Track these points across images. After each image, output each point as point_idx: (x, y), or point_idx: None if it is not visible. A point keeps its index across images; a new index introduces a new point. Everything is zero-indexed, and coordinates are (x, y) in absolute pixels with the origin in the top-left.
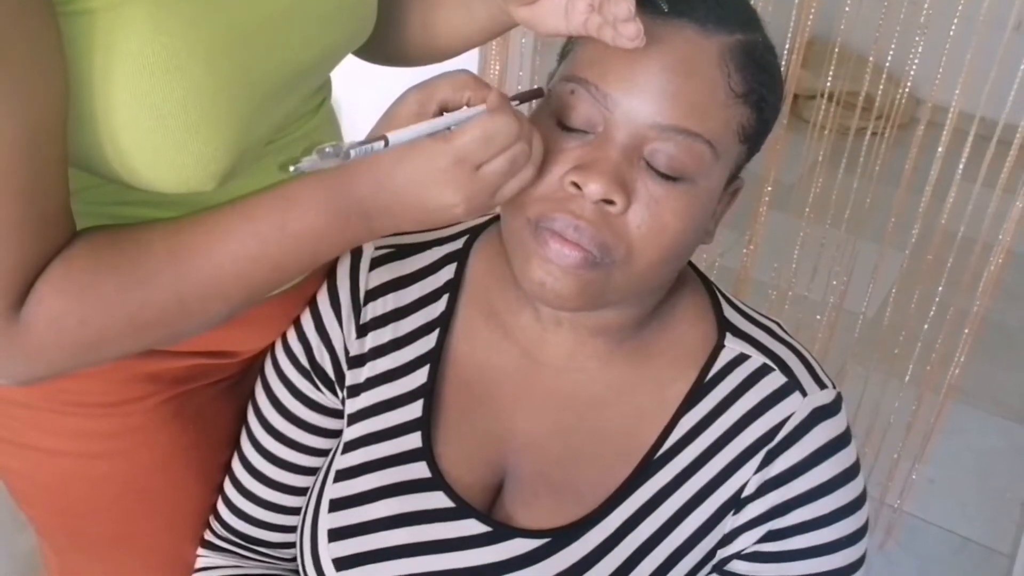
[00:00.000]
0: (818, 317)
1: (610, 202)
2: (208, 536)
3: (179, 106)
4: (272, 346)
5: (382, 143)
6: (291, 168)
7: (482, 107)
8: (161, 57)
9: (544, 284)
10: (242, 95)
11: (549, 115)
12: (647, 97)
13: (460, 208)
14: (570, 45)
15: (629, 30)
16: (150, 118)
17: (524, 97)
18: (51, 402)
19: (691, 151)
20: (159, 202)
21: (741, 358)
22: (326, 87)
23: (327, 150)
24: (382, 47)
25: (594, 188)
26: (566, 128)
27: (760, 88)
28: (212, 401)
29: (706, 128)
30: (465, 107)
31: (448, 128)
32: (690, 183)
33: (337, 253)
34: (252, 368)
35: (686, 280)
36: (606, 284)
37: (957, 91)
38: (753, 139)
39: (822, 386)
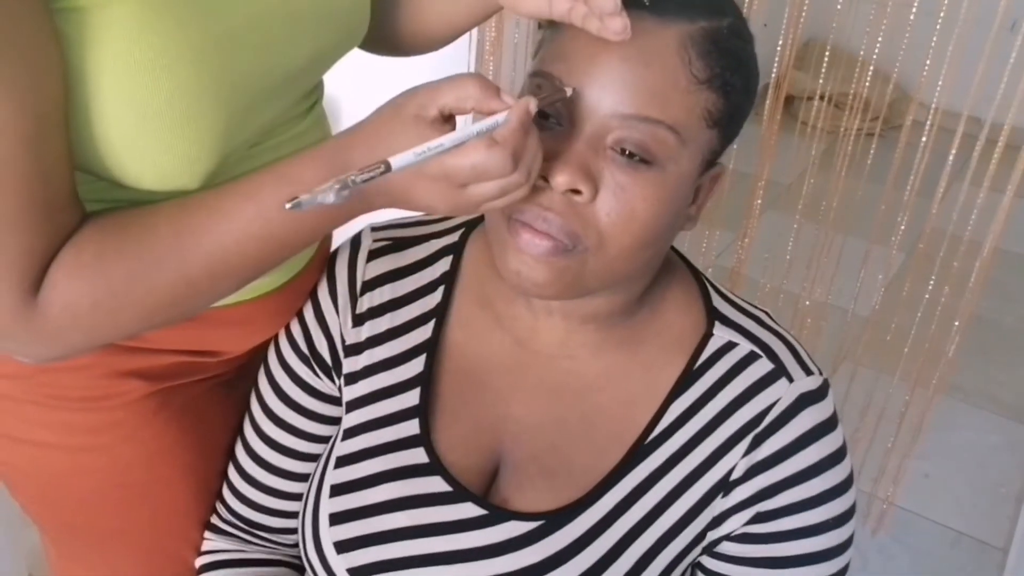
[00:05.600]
0: (808, 308)
1: (577, 192)
2: (214, 520)
3: (164, 105)
4: (276, 335)
5: (382, 169)
6: (287, 205)
7: (494, 120)
8: (148, 56)
9: (520, 273)
10: (228, 96)
11: None
12: (608, 88)
13: (442, 212)
14: (541, 42)
15: (616, 24)
16: (135, 116)
17: (549, 102)
18: (34, 395)
19: (655, 138)
20: (144, 200)
21: (729, 346)
22: (318, 90)
23: (327, 184)
24: (374, 37)
25: (560, 179)
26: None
27: (724, 73)
28: (201, 398)
29: (668, 115)
30: (472, 117)
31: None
32: (658, 169)
33: (338, 225)
34: (247, 368)
35: (675, 269)
36: (581, 271)
37: (940, 86)
38: (724, 124)
39: (808, 372)
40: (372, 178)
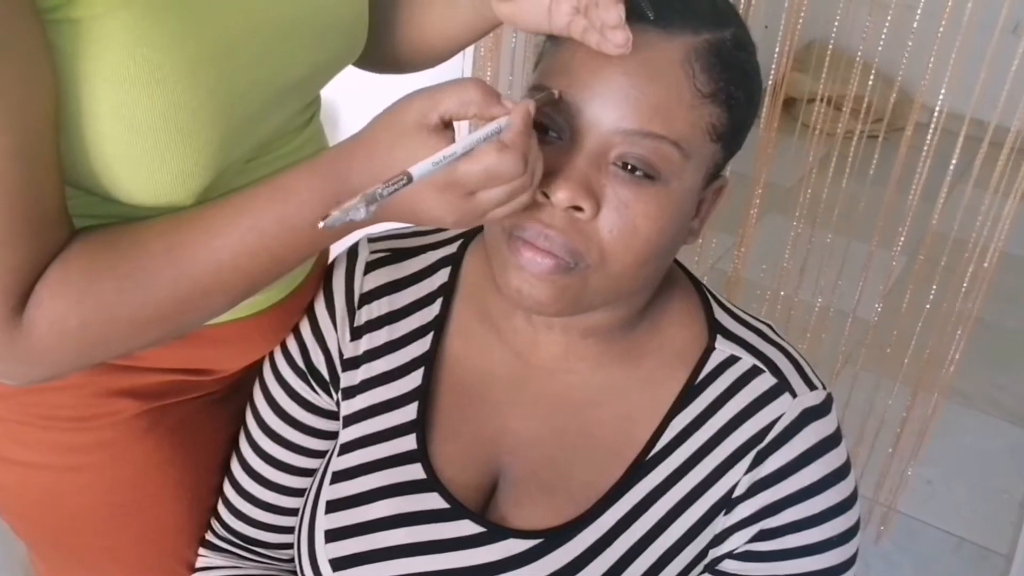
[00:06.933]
0: (809, 313)
1: (579, 208)
2: (208, 536)
3: (159, 120)
4: (272, 350)
5: (404, 180)
6: (320, 224)
7: (497, 124)
8: (143, 70)
9: (521, 291)
10: (224, 111)
11: None
12: (610, 103)
13: (448, 224)
14: (541, 55)
15: (618, 37)
16: (129, 131)
17: (541, 103)
18: (23, 415)
19: (658, 153)
20: (135, 216)
21: (731, 360)
22: (315, 103)
23: (354, 200)
24: (374, 54)
25: (561, 196)
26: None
27: (728, 86)
28: (193, 415)
29: (672, 130)
30: (481, 123)
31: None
32: (661, 185)
33: (334, 241)
34: (239, 386)
35: (676, 282)
36: (583, 288)
37: (943, 91)
38: (727, 137)
39: (812, 387)
40: (397, 190)
